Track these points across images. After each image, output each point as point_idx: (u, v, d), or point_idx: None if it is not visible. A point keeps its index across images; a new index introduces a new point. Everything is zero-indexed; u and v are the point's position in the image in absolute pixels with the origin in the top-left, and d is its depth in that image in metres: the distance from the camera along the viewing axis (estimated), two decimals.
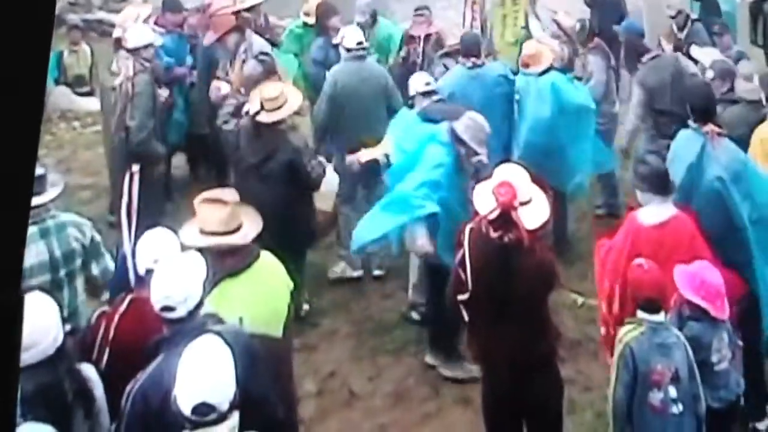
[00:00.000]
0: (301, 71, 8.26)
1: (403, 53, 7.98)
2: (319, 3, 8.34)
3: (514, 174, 4.55)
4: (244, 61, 7.03)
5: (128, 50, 6.86)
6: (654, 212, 4.86)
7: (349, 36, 7.20)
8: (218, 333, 3.36)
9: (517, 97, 7.03)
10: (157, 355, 3.45)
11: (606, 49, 7.97)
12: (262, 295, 4.20)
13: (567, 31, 8.22)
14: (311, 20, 8.40)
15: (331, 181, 6.51)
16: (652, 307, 4.26)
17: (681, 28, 9.04)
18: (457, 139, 5.67)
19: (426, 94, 6.37)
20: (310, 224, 6.31)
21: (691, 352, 4.28)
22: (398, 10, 11.17)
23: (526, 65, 7.11)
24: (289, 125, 6.32)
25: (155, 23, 7.99)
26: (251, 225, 4.37)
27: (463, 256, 4.48)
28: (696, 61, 7.20)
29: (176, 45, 8.10)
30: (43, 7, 1.17)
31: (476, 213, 4.54)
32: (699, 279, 4.36)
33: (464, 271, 4.47)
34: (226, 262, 4.19)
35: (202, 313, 3.62)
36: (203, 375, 3.11)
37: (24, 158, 1.22)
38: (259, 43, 7.38)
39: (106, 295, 4.56)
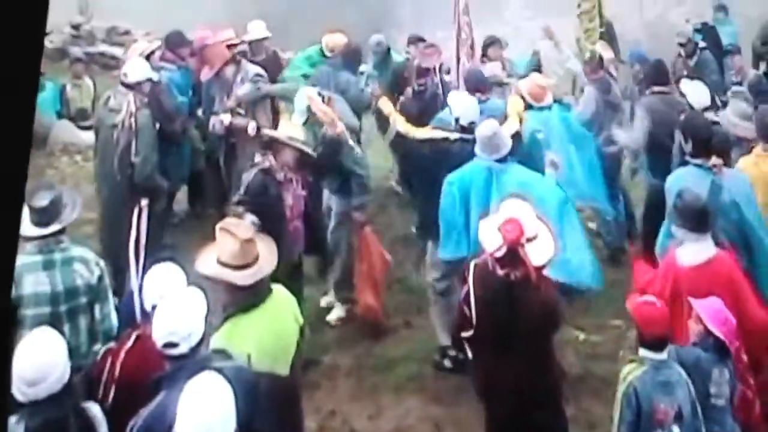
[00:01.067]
0: None
1: (415, 86, 7.81)
2: (347, 45, 8.29)
3: (520, 210, 4.57)
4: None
5: (127, 85, 6.88)
6: (694, 252, 4.82)
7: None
8: (219, 370, 3.37)
9: (540, 135, 6.73)
10: (159, 392, 3.46)
11: (609, 81, 7.95)
12: (272, 332, 4.19)
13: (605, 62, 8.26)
14: (331, 54, 8.42)
15: None
16: (656, 345, 4.27)
17: (690, 56, 9.17)
18: None
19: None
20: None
21: (693, 389, 4.28)
22: (399, 39, 11.28)
23: (538, 98, 7.02)
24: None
25: (160, 59, 8.01)
26: (266, 261, 4.32)
27: (468, 292, 4.49)
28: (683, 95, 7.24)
29: (184, 79, 8.13)
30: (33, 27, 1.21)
31: (482, 250, 4.55)
32: (723, 315, 4.40)
33: (468, 307, 4.48)
34: (238, 296, 4.19)
35: (207, 350, 3.66)
36: (203, 412, 3.12)
37: (15, 164, 1.25)
38: (253, 68, 7.54)
39: (98, 346, 4.52)
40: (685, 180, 5.41)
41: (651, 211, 6.83)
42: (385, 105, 6.96)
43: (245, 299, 4.20)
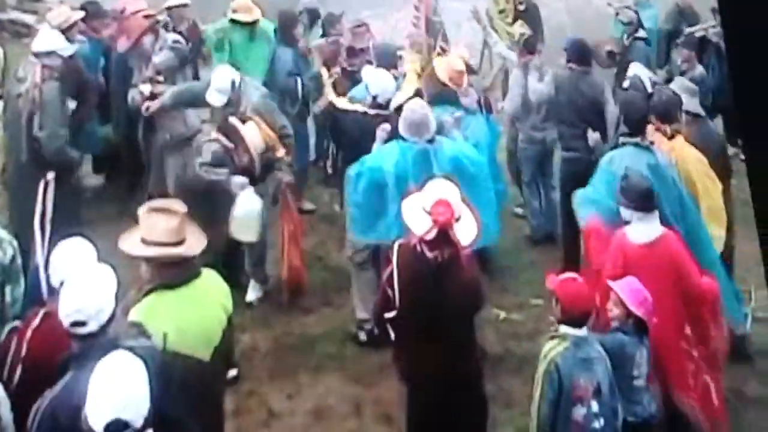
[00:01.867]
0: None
1: (347, 66, 7.69)
2: (282, 11, 8.25)
3: (447, 191, 4.49)
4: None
5: (36, 55, 6.56)
6: (643, 230, 4.88)
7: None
8: (131, 349, 3.26)
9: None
10: (66, 372, 3.34)
11: (539, 65, 7.93)
12: (194, 313, 4.01)
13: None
14: (244, 17, 8.21)
15: (245, 207, 6.27)
16: (578, 322, 4.30)
17: (627, 37, 9.27)
18: None
19: None
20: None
21: (610, 366, 4.33)
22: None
23: (456, 83, 6.87)
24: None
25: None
26: (196, 240, 4.17)
27: (391, 273, 4.43)
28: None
29: (93, 53, 7.83)
30: None
31: (407, 231, 4.48)
32: (642, 295, 4.47)
33: (392, 288, 4.41)
34: (164, 273, 4.02)
35: (117, 328, 3.50)
36: (115, 391, 3.02)
37: None
38: (171, 36, 7.39)
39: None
40: (625, 160, 5.40)
41: (567, 181, 6.89)
42: (325, 73, 6.85)
43: (169, 276, 4.03)
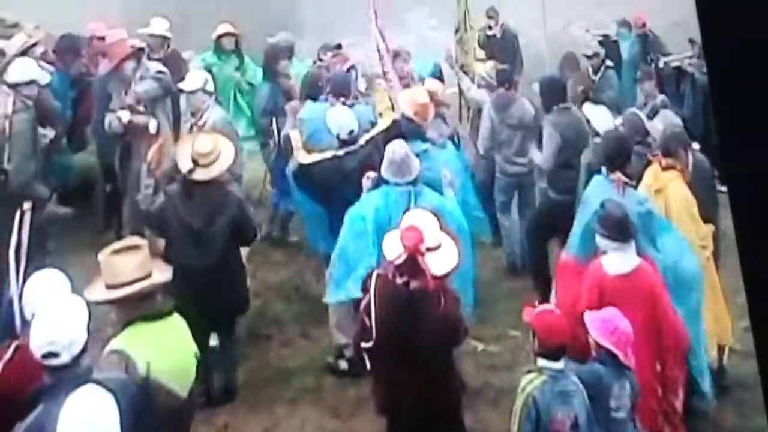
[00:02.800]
0: (249, 117, 8.11)
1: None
2: (269, 46, 8.25)
3: (421, 219, 4.53)
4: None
5: (9, 85, 6.51)
6: (618, 261, 4.91)
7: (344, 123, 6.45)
8: (102, 381, 3.25)
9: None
10: (38, 405, 3.30)
11: (508, 98, 7.86)
12: (173, 349, 4.02)
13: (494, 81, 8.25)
14: (228, 42, 8.33)
15: None
16: (554, 355, 4.28)
17: (595, 71, 9.35)
18: None
19: None
20: (246, 289, 6.05)
21: (587, 398, 4.31)
22: (303, 47, 11.18)
23: (421, 116, 6.75)
24: (227, 177, 5.93)
25: (41, 57, 7.60)
26: (161, 273, 4.17)
27: (369, 302, 4.42)
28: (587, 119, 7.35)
29: (61, 84, 7.80)
30: None
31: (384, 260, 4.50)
32: (612, 325, 4.45)
33: (369, 317, 4.40)
34: (140, 308, 4.01)
35: (89, 360, 3.48)
36: (85, 427, 3.01)
37: None
38: (154, 66, 7.32)
39: None
40: (590, 186, 5.57)
41: (543, 221, 6.94)
42: (294, 136, 6.77)
43: (146, 307, 4.02)
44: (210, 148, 5.65)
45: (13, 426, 3.27)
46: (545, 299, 5.52)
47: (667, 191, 5.64)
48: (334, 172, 6.25)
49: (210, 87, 6.96)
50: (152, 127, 7.01)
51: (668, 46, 10.19)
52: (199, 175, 5.62)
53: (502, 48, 10.76)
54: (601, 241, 4.98)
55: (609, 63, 9.51)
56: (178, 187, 5.73)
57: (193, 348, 4.22)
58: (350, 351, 5.97)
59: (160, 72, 7.29)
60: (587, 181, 5.87)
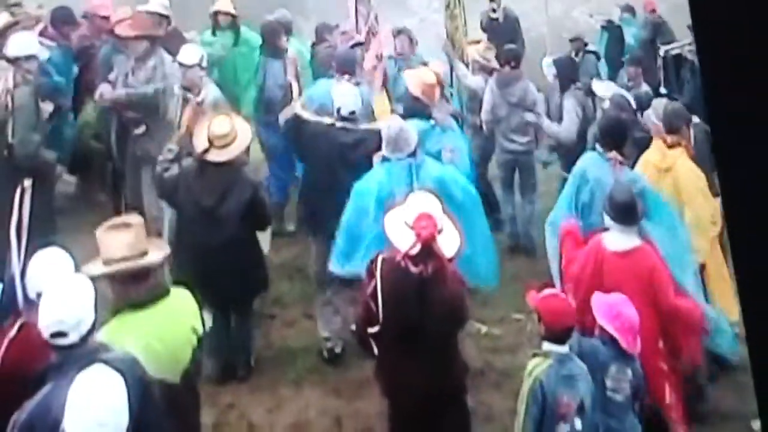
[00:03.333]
0: (254, 95, 8.03)
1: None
2: (264, 23, 8.16)
3: (429, 204, 4.48)
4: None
5: (8, 60, 6.46)
6: (619, 240, 4.94)
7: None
8: (110, 361, 3.25)
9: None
10: (45, 384, 3.30)
11: (511, 76, 7.89)
12: (162, 334, 3.98)
13: (489, 63, 8.25)
14: (225, 20, 8.26)
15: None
16: (560, 338, 4.28)
17: (576, 54, 9.35)
18: None
19: None
20: (263, 270, 6.03)
21: (591, 383, 4.31)
22: (305, 27, 11.12)
23: (428, 96, 6.80)
24: (242, 160, 5.93)
25: (41, 34, 7.57)
26: (158, 251, 4.17)
27: (375, 288, 4.38)
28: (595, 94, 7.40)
29: (63, 59, 7.73)
30: None
31: (390, 245, 4.45)
32: (616, 310, 4.45)
33: (375, 303, 4.37)
34: (130, 292, 4.00)
35: (94, 340, 3.48)
36: (94, 406, 3.01)
37: None
38: (171, 65, 7.14)
39: None
40: (585, 161, 5.66)
41: None
42: (295, 85, 6.79)
43: (136, 295, 4.01)
44: (227, 129, 5.66)
45: (20, 404, 3.26)
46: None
47: (675, 169, 5.68)
48: (326, 137, 6.19)
49: (205, 63, 6.94)
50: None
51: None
52: (214, 156, 5.63)
53: (504, 31, 10.73)
54: (607, 219, 5.01)
55: (590, 48, 9.51)
56: (193, 164, 5.75)
57: (191, 325, 4.18)
58: (332, 343, 6.17)
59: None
60: None
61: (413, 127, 5.98)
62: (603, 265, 4.90)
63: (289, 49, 8.01)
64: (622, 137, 5.70)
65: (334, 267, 5.75)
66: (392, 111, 7.08)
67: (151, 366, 3.67)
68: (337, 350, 6.23)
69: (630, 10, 10.89)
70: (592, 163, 5.63)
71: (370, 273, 4.46)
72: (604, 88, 7.28)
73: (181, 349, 4.10)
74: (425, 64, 7.77)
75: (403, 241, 4.34)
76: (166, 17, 8.04)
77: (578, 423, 4.23)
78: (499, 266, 6.13)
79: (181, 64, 6.83)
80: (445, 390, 4.49)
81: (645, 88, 8.11)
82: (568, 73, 7.29)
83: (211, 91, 6.79)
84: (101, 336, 3.71)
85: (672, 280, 4.89)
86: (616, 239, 4.94)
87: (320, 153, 6.21)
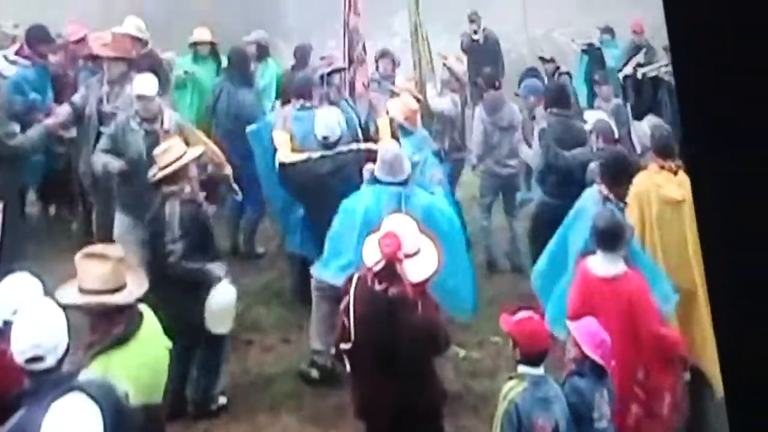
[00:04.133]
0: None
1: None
2: (233, 49, 8.14)
3: (400, 225, 4.53)
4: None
5: None
6: (605, 265, 4.93)
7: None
8: (86, 387, 3.23)
9: (416, 158, 6.58)
10: (18, 409, 3.25)
11: (500, 100, 7.96)
12: (146, 365, 4.01)
13: (458, 75, 8.31)
14: (204, 49, 8.29)
15: (222, 299, 5.60)
16: (535, 361, 4.27)
17: (551, 76, 9.44)
18: None
19: None
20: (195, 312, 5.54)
21: (566, 406, 4.30)
22: (285, 49, 11.15)
23: (411, 122, 6.90)
24: (178, 190, 5.54)
25: (17, 53, 7.59)
26: (136, 285, 4.13)
27: (348, 304, 4.43)
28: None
29: (39, 77, 7.68)
30: None
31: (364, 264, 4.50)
32: (599, 338, 4.43)
33: (348, 319, 4.42)
34: (112, 330, 3.97)
35: (70, 364, 3.45)
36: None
37: None
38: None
39: None
40: (584, 198, 5.67)
41: (538, 227, 6.94)
42: (277, 136, 6.73)
43: (118, 333, 3.98)
44: (167, 145, 5.62)
45: None
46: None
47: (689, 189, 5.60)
48: (309, 173, 6.27)
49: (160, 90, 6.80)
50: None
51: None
52: (159, 175, 5.56)
53: (485, 52, 10.82)
54: (591, 244, 5.03)
55: (563, 69, 9.62)
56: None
57: (165, 345, 4.21)
58: (322, 358, 6.08)
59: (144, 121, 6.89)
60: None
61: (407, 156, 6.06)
62: (592, 291, 4.90)
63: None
64: (624, 176, 5.65)
65: (313, 270, 5.95)
66: (393, 134, 7.05)
67: (140, 394, 3.70)
68: (329, 366, 6.05)
69: (609, 31, 10.99)
70: (591, 201, 5.58)
71: (345, 290, 4.52)
72: (592, 117, 7.24)
73: (162, 370, 4.13)
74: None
75: (371, 258, 4.41)
76: (141, 40, 8.02)
77: None
78: (478, 295, 6.19)
79: (139, 97, 6.55)
80: (418, 414, 4.48)
81: (614, 102, 8.18)
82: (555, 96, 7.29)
83: (171, 116, 6.69)
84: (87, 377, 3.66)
85: (656, 309, 4.89)
86: (601, 265, 4.94)
87: (309, 190, 6.29)
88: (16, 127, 6.49)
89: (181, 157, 5.55)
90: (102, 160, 6.50)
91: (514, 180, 7.99)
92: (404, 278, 4.30)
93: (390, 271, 4.34)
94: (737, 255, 1.27)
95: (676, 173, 5.74)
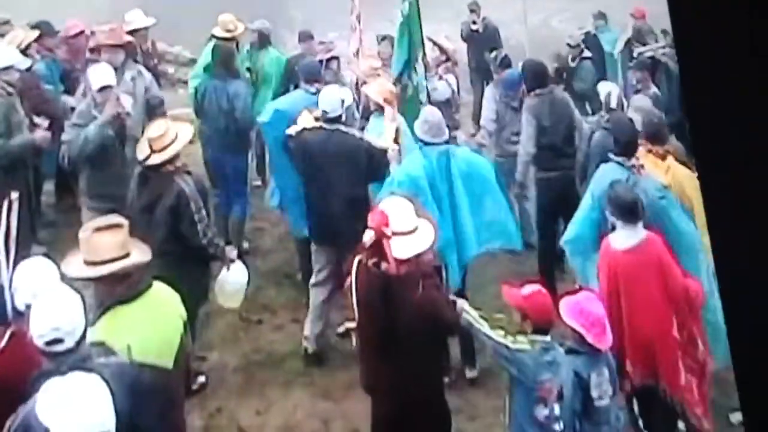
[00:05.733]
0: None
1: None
2: (223, 46, 8.03)
3: (393, 204, 4.60)
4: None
5: None
6: (625, 237, 5.05)
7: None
8: (100, 367, 3.34)
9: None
10: (38, 390, 3.30)
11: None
12: (153, 323, 4.11)
13: (448, 52, 8.43)
14: (229, 33, 8.26)
15: (238, 278, 5.91)
16: (543, 332, 4.40)
17: (573, 59, 9.58)
18: None
19: None
20: (202, 282, 5.75)
21: (571, 371, 4.39)
22: (290, 40, 11.27)
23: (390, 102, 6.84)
24: (179, 167, 5.68)
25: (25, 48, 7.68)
26: (141, 251, 4.27)
27: (350, 283, 4.53)
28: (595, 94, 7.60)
29: (49, 70, 7.86)
30: None
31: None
32: (579, 307, 4.48)
33: (351, 298, 4.52)
34: (116, 290, 4.11)
35: (87, 343, 3.57)
36: (75, 416, 3.06)
37: None
38: (150, 80, 7.22)
39: None
40: (604, 173, 5.73)
41: (543, 202, 7.16)
42: (303, 116, 6.83)
43: (121, 292, 4.11)
44: (162, 130, 5.63)
45: (13, 410, 3.33)
46: (551, 282, 5.78)
47: (678, 179, 5.72)
48: (304, 141, 6.31)
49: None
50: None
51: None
52: (155, 159, 5.59)
53: (485, 41, 10.93)
54: (610, 218, 5.15)
55: (586, 54, 9.74)
56: (138, 173, 5.77)
57: (178, 314, 4.31)
58: (306, 342, 6.33)
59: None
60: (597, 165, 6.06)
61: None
62: (615, 266, 5.00)
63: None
64: (635, 141, 5.82)
65: None
66: (396, 140, 6.84)
67: (147, 353, 3.80)
68: (309, 350, 6.36)
69: (603, 17, 11.10)
70: (612, 174, 5.67)
71: (348, 270, 4.60)
72: (606, 87, 7.40)
73: (172, 335, 4.21)
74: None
75: (367, 235, 4.48)
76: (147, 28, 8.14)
77: (557, 409, 4.33)
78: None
79: (101, 89, 6.45)
80: (423, 391, 4.55)
81: (653, 89, 8.25)
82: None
83: (128, 100, 6.65)
84: (94, 335, 3.80)
85: (677, 263, 5.00)
86: (623, 237, 5.05)
87: (314, 160, 6.29)
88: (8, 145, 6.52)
89: (175, 138, 5.64)
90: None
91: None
92: (388, 254, 4.36)
93: (379, 247, 4.40)
94: (747, 251, 1.26)
95: (663, 158, 5.89)
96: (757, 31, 1.21)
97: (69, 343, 3.45)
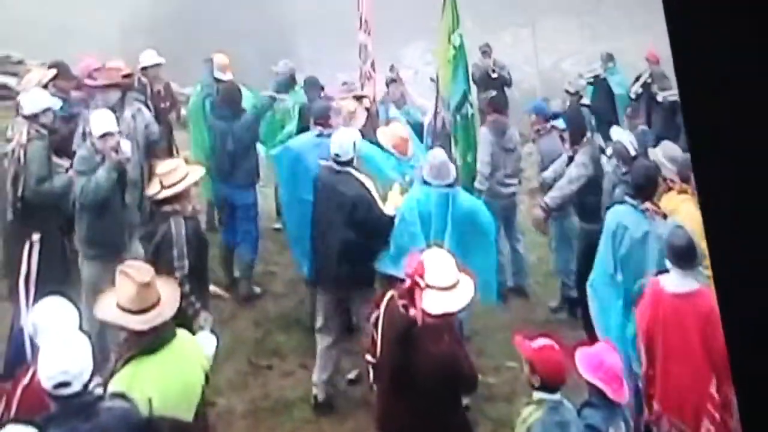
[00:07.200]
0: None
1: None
2: (229, 85, 8.06)
3: (433, 256, 4.54)
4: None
5: (25, 117, 6.61)
6: (677, 281, 5.04)
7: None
8: (104, 411, 3.35)
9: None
10: None
11: (505, 124, 8.17)
12: (176, 376, 4.06)
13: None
14: (225, 76, 8.33)
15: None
16: (552, 388, 4.30)
17: (571, 105, 9.71)
18: None
19: None
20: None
21: (583, 429, 4.28)
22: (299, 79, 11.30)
23: (401, 150, 7.04)
24: (180, 210, 5.49)
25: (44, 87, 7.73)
26: (168, 304, 4.18)
27: (377, 318, 4.53)
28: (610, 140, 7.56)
29: (63, 112, 7.82)
30: None
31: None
32: (598, 360, 4.41)
33: (376, 333, 4.52)
34: (142, 339, 4.06)
35: (96, 389, 3.56)
36: None
37: None
38: (148, 116, 7.23)
39: None
40: (618, 215, 5.81)
41: (585, 251, 7.02)
42: None
43: (147, 342, 4.06)
44: (173, 165, 5.62)
45: None
46: (592, 334, 5.72)
47: (680, 213, 5.78)
48: (323, 181, 6.32)
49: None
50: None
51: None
52: (163, 194, 5.50)
53: (498, 86, 11.04)
54: (668, 264, 5.12)
55: (584, 101, 9.87)
56: (148, 210, 5.79)
57: (200, 364, 4.26)
58: (316, 390, 6.29)
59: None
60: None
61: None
62: (661, 308, 4.99)
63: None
64: (652, 185, 5.90)
65: (379, 266, 6.12)
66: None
67: (167, 408, 3.76)
68: (320, 399, 6.30)
69: (611, 59, 11.22)
70: (625, 216, 5.74)
71: (377, 304, 4.61)
72: (618, 134, 7.38)
73: (192, 389, 4.16)
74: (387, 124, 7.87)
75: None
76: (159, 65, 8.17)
77: None
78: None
79: (103, 135, 6.24)
80: None
81: (643, 127, 8.34)
82: (579, 128, 7.52)
83: (129, 146, 6.50)
84: (116, 384, 3.79)
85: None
86: (676, 281, 5.04)
87: (321, 200, 6.30)
88: (47, 186, 6.41)
89: (185, 177, 5.58)
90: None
91: (513, 200, 8.25)
92: (417, 304, 4.31)
93: (411, 294, 4.35)
94: (746, 262, 1.35)
95: (680, 192, 6.06)
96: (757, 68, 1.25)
97: (76, 387, 3.42)
